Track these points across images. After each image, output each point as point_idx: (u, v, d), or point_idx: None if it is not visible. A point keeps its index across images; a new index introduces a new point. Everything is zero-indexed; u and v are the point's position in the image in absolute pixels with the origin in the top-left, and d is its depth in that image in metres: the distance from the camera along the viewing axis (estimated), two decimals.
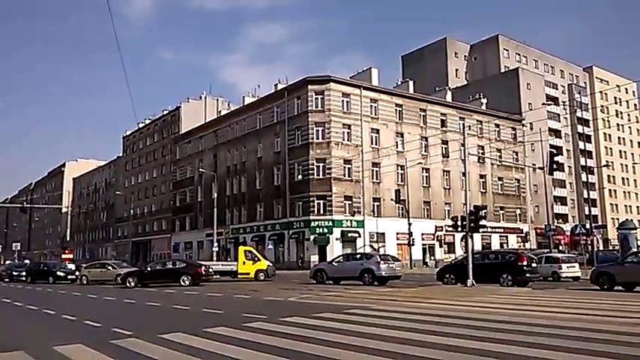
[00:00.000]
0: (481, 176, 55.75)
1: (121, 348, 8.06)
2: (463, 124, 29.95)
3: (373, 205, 47.34)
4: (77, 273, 33.02)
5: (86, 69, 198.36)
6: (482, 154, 53.01)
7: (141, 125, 78.15)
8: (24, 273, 35.49)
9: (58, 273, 32.24)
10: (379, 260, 24.04)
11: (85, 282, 29.57)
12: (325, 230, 44.52)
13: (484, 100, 60.35)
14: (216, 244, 44.98)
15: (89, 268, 31.68)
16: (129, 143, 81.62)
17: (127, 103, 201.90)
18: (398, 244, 47.11)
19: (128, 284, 25.44)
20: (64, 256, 50.76)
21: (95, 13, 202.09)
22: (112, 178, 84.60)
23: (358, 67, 53.54)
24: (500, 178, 58.04)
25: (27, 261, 56.28)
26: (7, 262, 57.52)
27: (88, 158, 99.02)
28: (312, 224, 44.65)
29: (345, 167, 46.27)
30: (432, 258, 49.29)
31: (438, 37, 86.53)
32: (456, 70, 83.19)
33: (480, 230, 23.67)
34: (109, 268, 30.34)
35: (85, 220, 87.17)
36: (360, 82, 49.58)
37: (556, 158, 26.74)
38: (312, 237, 44.43)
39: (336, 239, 44.33)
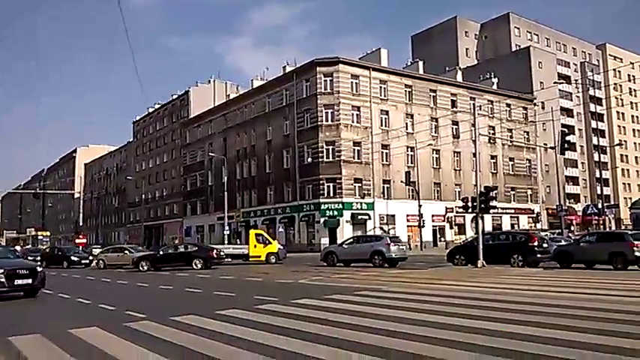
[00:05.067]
0: (492, 157, 55.36)
1: (134, 330, 8.18)
2: (474, 104, 29.68)
3: (383, 187, 47.23)
4: (91, 257, 33.42)
5: (95, 55, 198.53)
6: (493, 134, 52.55)
7: (150, 110, 78.34)
8: (39, 258, 35.79)
9: (72, 258, 32.51)
10: (389, 242, 24.01)
11: (102, 266, 29.90)
12: (335, 213, 44.58)
13: (495, 80, 59.69)
14: (227, 228, 45.27)
15: (106, 253, 31.97)
16: (139, 128, 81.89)
17: (136, 89, 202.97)
18: (408, 226, 47.08)
19: (141, 268, 25.72)
20: (77, 240, 51.29)
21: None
22: (123, 163, 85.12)
23: (367, 48, 53.12)
24: (511, 159, 57.63)
25: (17, 246, 55.21)
26: (18, 247, 58.20)
27: (99, 144, 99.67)
28: (323, 207, 44.71)
29: (354, 149, 46.10)
30: (443, 239, 49.26)
31: (448, 16, 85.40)
32: (467, 49, 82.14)
33: (491, 211, 23.62)
34: (126, 252, 30.61)
35: (97, 205, 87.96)
36: (369, 63, 49.12)
37: (568, 138, 26.46)
38: (322, 220, 44.53)
39: (347, 222, 44.39)
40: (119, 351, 6.77)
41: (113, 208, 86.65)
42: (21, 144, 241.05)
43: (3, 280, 12.55)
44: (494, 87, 58.87)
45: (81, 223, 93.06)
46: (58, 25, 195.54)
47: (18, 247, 56.78)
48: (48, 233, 71.93)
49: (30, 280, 13.12)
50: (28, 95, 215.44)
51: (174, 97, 73.02)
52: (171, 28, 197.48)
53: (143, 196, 72.62)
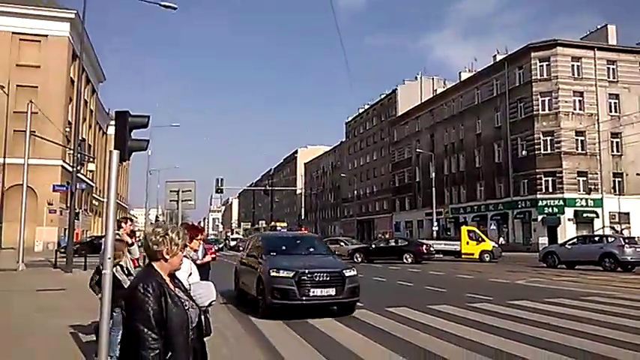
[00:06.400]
0: None
1: (353, 318, 8.87)
2: None
3: (614, 181, 41.65)
4: None
5: (312, 62, 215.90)
6: None
7: (361, 111, 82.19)
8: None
9: None
10: (623, 243, 21.26)
11: None
12: (555, 210, 40.86)
13: None
14: (435, 224, 45.07)
15: None
16: (351, 128, 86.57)
17: (348, 91, 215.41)
18: None
19: (355, 259, 27.38)
20: (299, 232, 56.70)
21: (306, 9, 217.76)
22: (337, 162, 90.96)
23: (589, 27, 47.08)
24: None
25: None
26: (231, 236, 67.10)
27: (316, 144, 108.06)
28: (540, 203, 41.38)
29: (577, 140, 41.60)
30: None
31: None
32: None
33: None
34: (342, 244, 33.12)
35: (316, 201, 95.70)
36: (593, 42, 43.77)
37: None
38: (539, 217, 41.23)
39: (569, 220, 40.31)
40: (340, 335, 7.43)
41: (329, 204, 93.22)
42: (254, 147, 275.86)
43: (293, 287, 8.63)
44: None
45: (303, 217, 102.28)
46: (281, 34, 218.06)
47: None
48: (285, 224, 79.57)
49: (333, 291, 8.81)
50: (257, 101, 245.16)
51: (383, 96, 75.36)
52: (378, 27, 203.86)
53: (355, 192, 76.62)
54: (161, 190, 62.88)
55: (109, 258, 4.84)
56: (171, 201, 10.95)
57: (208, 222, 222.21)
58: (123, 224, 6.53)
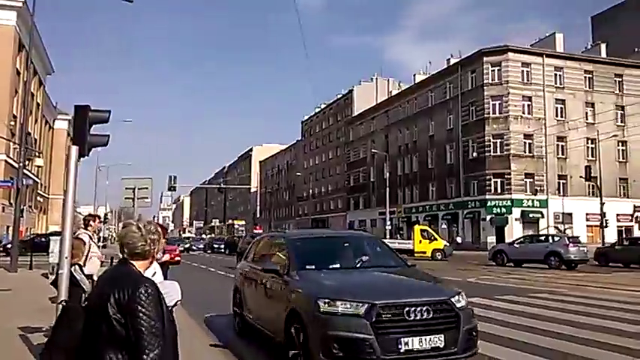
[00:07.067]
0: None
1: None
2: None
3: (558, 183, 43.55)
4: None
5: (268, 61, 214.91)
6: None
7: (317, 110, 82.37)
8: (222, 246, 42.08)
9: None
10: (568, 242, 22.36)
11: None
12: (503, 210, 42.34)
13: None
14: (389, 223, 45.79)
15: None
16: (307, 127, 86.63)
17: (303, 91, 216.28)
18: (587, 226, 42.76)
19: None
20: (255, 231, 56.46)
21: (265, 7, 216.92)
22: (293, 161, 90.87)
23: (539, 34, 49.04)
24: None
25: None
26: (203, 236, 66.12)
27: (272, 143, 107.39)
28: (489, 204, 42.77)
29: (525, 143, 43.24)
30: None
31: None
32: None
33: None
34: None
35: (270, 199, 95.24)
36: (542, 49, 45.59)
37: None
38: (488, 217, 42.63)
39: (516, 220, 41.88)
40: None
41: (284, 202, 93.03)
42: (205, 144, 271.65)
43: (369, 336, 4.46)
44: None
45: (258, 215, 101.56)
46: (237, 31, 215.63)
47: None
48: (243, 222, 78.64)
49: (440, 340, 4.59)
50: (211, 97, 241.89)
51: (339, 96, 75.81)
52: (336, 28, 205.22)
53: (310, 191, 76.88)
54: (111, 187, 61.06)
55: (66, 257, 4.71)
56: (126, 198, 10.65)
57: (158, 221, 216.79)
58: (91, 222, 6.24)
